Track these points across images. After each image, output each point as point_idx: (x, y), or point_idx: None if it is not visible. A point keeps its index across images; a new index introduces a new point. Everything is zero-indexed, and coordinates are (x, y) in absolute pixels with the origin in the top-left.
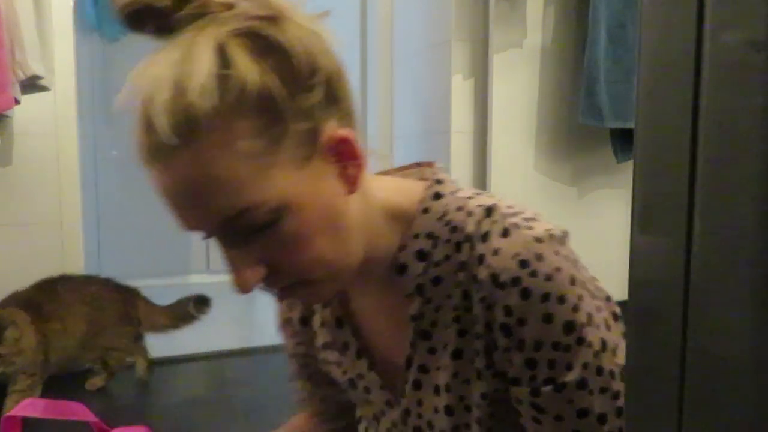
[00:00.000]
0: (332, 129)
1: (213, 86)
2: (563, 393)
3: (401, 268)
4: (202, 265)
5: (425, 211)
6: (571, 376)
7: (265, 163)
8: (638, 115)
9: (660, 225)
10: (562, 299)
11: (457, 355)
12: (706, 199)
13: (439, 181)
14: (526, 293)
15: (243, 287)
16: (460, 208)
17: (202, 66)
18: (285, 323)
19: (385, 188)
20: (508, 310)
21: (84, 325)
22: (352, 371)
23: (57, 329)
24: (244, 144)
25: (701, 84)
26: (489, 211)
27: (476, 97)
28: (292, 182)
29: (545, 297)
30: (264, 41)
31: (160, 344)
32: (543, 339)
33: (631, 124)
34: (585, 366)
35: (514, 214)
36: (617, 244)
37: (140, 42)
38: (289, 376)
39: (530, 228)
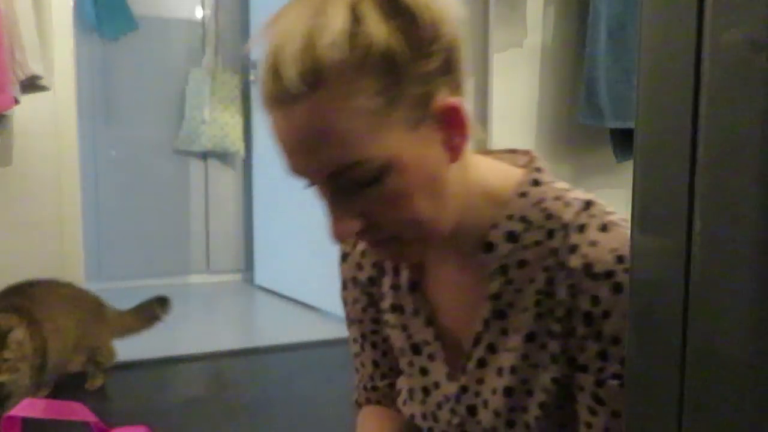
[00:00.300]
0: (444, 97)
1: (343, 41)
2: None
3: (489, 247)
4: (202, 265)
5: (522, 195)
6: None
7: (379, 122)
8: (638, 115)
9: (660, 225)
10: None
11: (530, 338)
12: (706, 199)
13: (538, 169)
14: (617, 287)
15: (339, 237)
16: (557, 198)
17: (335, 21)
18: (350, 283)
19: (483, 167)
20: (595, 300)
21: (73, 324)
22: (418, 336)
23: (52, 330)
24: (363, 100)
25: (701, 84)
26: (587, 204)
27: (476, 96)
28: (401, 143)
29: None
30: (394, 3)
31: (160, 344)
32: (622, 335)
33: (631, 124)
34: None
35: (611, 213)
36: None
37: (140, 42)
38: (353, 352)
39: (626, 225)
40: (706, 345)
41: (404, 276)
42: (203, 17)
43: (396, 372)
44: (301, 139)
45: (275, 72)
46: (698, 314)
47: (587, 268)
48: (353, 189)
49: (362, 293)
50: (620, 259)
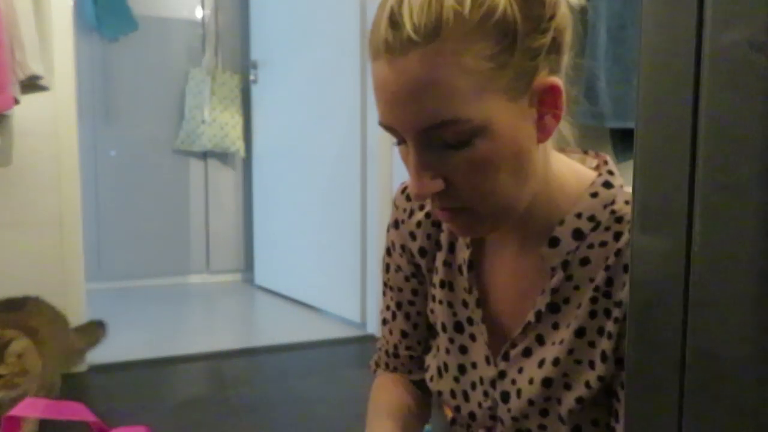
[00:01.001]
0: (546, 75)
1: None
2: None
3: (554, 241)
4: (202, 265)
5: (594, 195)
6: None
7: (483, 85)
8: (638, 115)
9: (660, 225)
10: None
11: (579, 333)
12: (706, 199)
13: (611, 172)
14: None
15: (419, 192)
16: (627, 202)
17: None
18: (398, 250)
19: (561, 161)
20: None
21: (61, 335)
22: (463, 315)
23: (53, 346)
24: (474, 60)
25: (701, 84)
26: None
27: None
28: (499, 110)
29: None
30: None
31: (160, 344)
32: None
33: (631, 124)
34: None
35: None
36: None
37: (140, 42)
38: (383, 317)
39: None
40: (706, 345)
41: (461, 254)
42: (203, 17)
43: (421, 346)
44: (406, 89)
45: (395, 20)
46: (698, 314)
47: None
48: (444, 148)
49: (408, 263)
50: None
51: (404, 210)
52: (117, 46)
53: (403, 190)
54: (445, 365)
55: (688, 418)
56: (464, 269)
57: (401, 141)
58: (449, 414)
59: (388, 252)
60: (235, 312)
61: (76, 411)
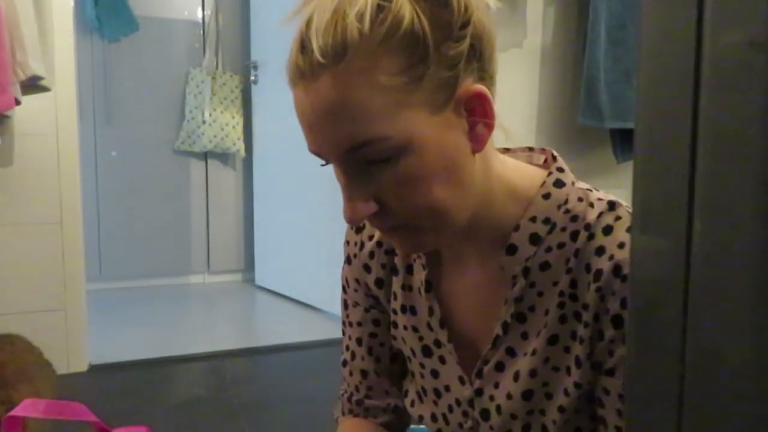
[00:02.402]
0: (470, 84)
1: (370, 15)
2: None
3: (511, 249)
4: (202, 265)
5: (546, 196)
6: None
7: (400, 101)
8: (638, 115)
9: (660, 225)
10: None
11: (552, 341)
12: (706, 199)
13: (560, 170)
14: None
15: (352, 218)
16: (581, 199)
17: None
18: (353, 285)
19: (506, 164)
20: (624, 303)
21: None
22: (430, 338)
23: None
24: (385, 77)
25: (701, 84)
26: (612, 205)
27: None
28: (421, 124)
29: None
30: None
31: (160, 344)
32: None
33: (631, 125)
34: None
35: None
36: None
37: (140, 42)
38: (343, 358)
39: None
40: (706, 345)
41: (418, 276)
42: (203, 18)
43: (384, 383)
44: (321, 113)
45: (303, 45)
46: (698, 314)
47: (616, 270)
48: (369, 168)
49: (366, 296)
50: None
51: (355, 244)
52: (117, 47)
53: (351, 225)
54: (423, 389)
55: (688, 418)
56: (422, 291)
57: (329, 162)
58: None
59: (344, 289)
60: (235, 312)
61: (76, 411)
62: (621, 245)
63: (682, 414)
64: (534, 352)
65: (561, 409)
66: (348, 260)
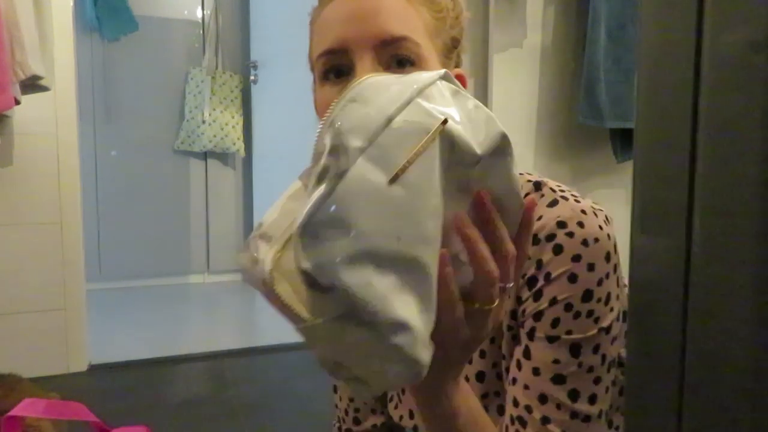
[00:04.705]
0: (456, 69)
1: None
2: (553, 347)
3: None
4: (202, 265)
5: None
6: (568, 341)
7: (431, 32)
8: (638, 115)
9: (660, 225)
10: (591, 267)
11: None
12: (705, 199)
13: None
14: (558, 249)
15: None
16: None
17: None
18: None
19: None
20: (539, 264)
21: None
22: None
23: None
24: (424, 9)
25: (701, 84)
26: (538, 185)
27: (476, 96)
28: (434, 59)
29: (576, 258)
30: None
31: (160, 344)
32: (559, 297)
33: (631, 124)
34: (585, 338)
35: (562, 190)
36: (617, 244)
37: (140, 42)
38: (333, 384)
39: (577, 201)
40: (706, 345)
41: None
42: (203, 17)
43: (367, 409)
44: (371, 9)
45: None
46: (698, 314)
47: (532, 237)
48: (388, 66)
49: None
50: (561, 224)
51: None
52: (117, 47)
53: None
54: (402, 389)
55: (688, 418)
56: None
57: (335, 73)
58: None
59: None
60: (235, 312)
61: (76, 411)
62: (539, 218)
63: (682, 414)
64: None
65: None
66: None
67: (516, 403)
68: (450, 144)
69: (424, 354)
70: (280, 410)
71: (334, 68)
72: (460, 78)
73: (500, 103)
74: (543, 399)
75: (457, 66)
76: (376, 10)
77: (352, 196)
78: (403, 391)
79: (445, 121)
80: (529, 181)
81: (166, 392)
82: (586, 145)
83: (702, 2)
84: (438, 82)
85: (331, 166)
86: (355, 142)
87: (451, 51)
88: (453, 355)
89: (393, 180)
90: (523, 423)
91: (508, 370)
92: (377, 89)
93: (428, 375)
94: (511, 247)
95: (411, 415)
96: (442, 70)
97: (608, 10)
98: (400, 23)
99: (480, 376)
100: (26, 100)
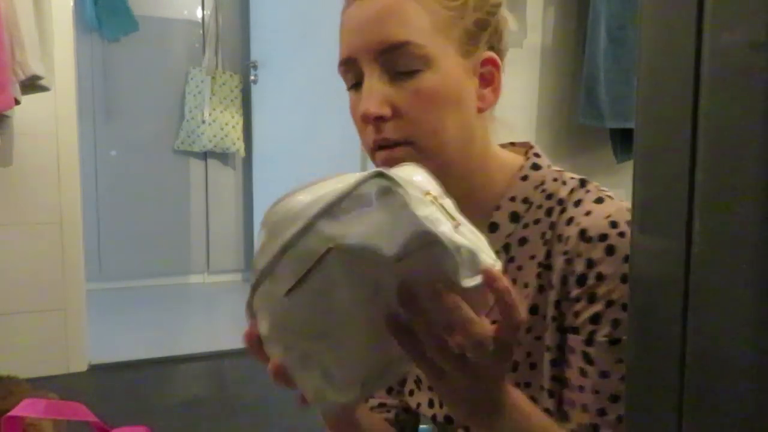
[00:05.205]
0: (488, 52)
1: None
2: (615, 348)
3: (493, 227)
4: (202, 265)
5: (524, 178)
6: None
7: (440, 26)
8: (638, 115)
9: (660, 225)
10: None
11: (533, 310)
12: (705, 199)
13: (537, 155)
14: (611, 250)
15: (366, 112)
16: (555, 179)
17: None
18: None
19: (497, 151)
20: (589, 263)
21: None
22: None
23: None
24: (435, 3)
25: (701, 84)
26: (583, 182)
27: None
28: (448, 56)
29: (627, 258)
30: None
31: (160, 344)
32: (614, 298)
33: (631, 124)
34: None
35: (605, 190)
36: None
37: (140, 42)
38: None
39: (622, 201)
40: (706, 345)
41: None
42: (203, 17)
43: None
44: (374, 14)
45: None
46: (698, 314)
47: (582, 233)
48: (394, 77)
49: None
50: (614, 224)
51: None
52: (117, 47)
53: None
54: (419, 377)
55: (688, 418)
56: None
57: (355, 84)
58: None
59: None
60: (235, 312)
61: (76, 411)
62: (587, 213)
63: (682, 414)
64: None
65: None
66: None
67: (586, 409)
68: (350, 254)
69: (338, 397)
70: (280, 410)
71: (351, 78)
72: (492, 61)
73: (501, 103)
74: (614, 399)
75: (492, 48)
76: (379, 16)
77: (261, 303)
78: (421, 379)
79: (329, 250)
80: (573, 178)
81: (166, 392)
82: (586, 145)
83: (702, 2)
84: (364, 184)
85: (252, 279)
86: (259, 265)
87: (476, 36)
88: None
89: (288, 293)
90: (596, 429)
91: (554, 362)
92: (283, 217)
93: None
94: (475, 331)
95: (430, 404)
96: (375, 170)
97: (608, 10)
98: (402, 27)
99: (513, 367)
100: (26, 100)
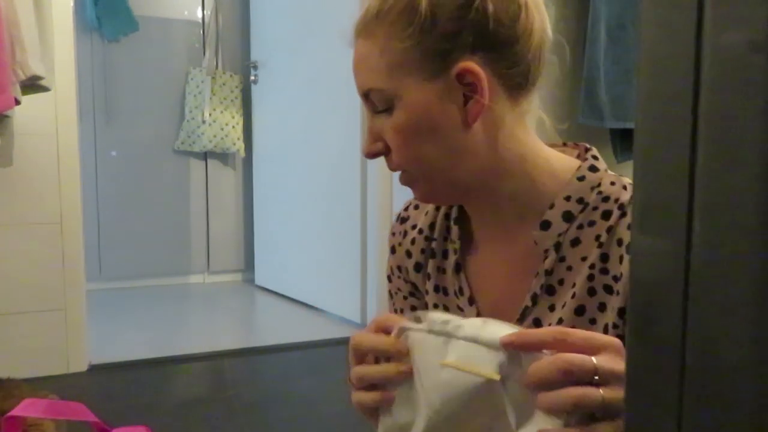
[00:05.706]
0: (466, 61)
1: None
2: None
3: (545, 224)
4: (202, 265)
5: (581, 179)
6: None
7: (398, 62)
8: (638, 115)
9: (660, 225)
10: None
11: (580, 311)
12: (706, 199)
13: (595, 158)
14: None
15: (365, 151)
16: (613, 183)
17: None
18: (396, 272)
19: (547, 150)
20: None
21: None
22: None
23: None
24: (389, 42)
25: (701, 84)
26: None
27: None
28: (413, 87)
29: None
30: None
31: (160, 344)
32: None
33: (631, 124)
34: None
35: None
36: None
37: (140, 42)
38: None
39: None
40: (706, 345)
41: (450, 259)
42: (203, 17)
43: None
44: (353, 64)
45: (364, 7)
46: (698, 314)
47: None
48: (378, 115)
49: (405, 282)
50: None
51: (399, 233)
52: (117, 47)
53: (398, 217)
54: None
55: (688, 418)
56: (451, 272)
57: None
58: None
59: (389, 278)
60: (235, 312)
61: (76, 411)
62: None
63: (682, 414)
64: (560, 322)
65: None
66: (392, 250)
67: None
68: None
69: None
70: (280, 410)
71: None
72: (467, 72)
73: None
74: None
75: (480, 48)
76: (355, 64)
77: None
78: None
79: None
80: (614, 183)
81: (166, 392)
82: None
83: (702, 2)
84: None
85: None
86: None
87: (444, 52)
88: None
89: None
90: None
91: None
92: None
93: None
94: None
95: None
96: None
97: (608, 10)
98: (367, 74)
99: None
100: (26, 100)
